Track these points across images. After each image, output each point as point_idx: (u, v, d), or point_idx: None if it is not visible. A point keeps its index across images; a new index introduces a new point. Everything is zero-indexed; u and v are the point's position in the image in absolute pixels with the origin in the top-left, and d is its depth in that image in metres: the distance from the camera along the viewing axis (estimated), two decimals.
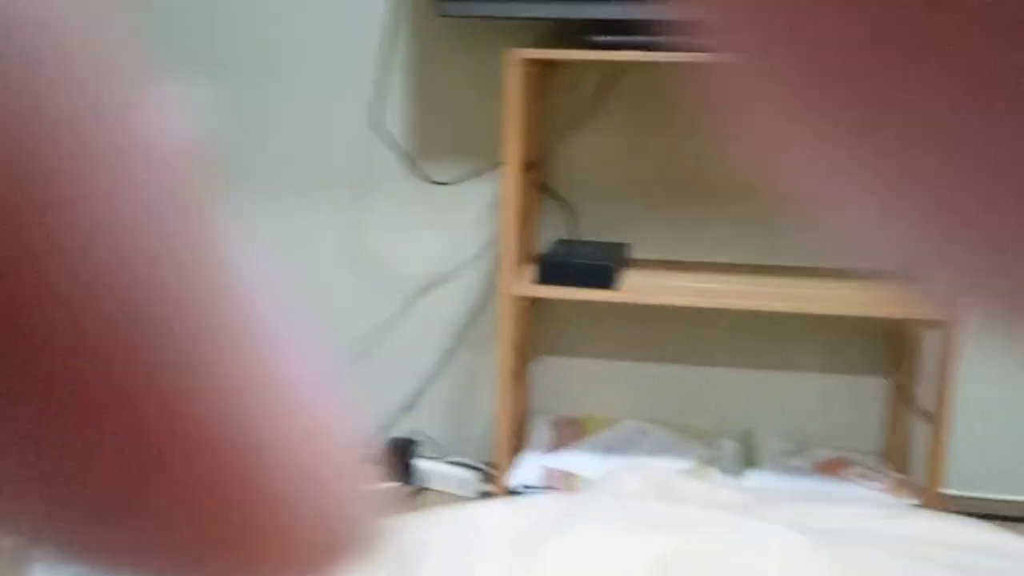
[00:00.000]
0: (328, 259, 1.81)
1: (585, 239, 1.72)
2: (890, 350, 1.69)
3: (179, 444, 0.17)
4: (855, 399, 1.72)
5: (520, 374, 1.70)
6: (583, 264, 1.47)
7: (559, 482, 1.57)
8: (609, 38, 1.43)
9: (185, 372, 0.16)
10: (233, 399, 0.18)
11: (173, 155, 0.16)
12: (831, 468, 1.63)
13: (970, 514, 1.61)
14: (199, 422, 0.17)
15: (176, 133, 0.17)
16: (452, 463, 1.76)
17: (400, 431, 1.85)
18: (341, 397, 0.22)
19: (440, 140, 1.74)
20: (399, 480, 1.75)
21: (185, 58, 1.78)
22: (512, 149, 1.44)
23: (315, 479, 0.20)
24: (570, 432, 1.73)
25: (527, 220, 1.68)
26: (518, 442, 1.71)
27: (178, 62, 1.76)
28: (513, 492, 1.55)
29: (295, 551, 0.20)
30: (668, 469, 1.56)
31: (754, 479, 1.58)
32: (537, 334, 1.78)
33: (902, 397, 1.66)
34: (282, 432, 0.19)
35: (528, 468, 1.60)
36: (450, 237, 1.77)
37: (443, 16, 1.52)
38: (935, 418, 1.42)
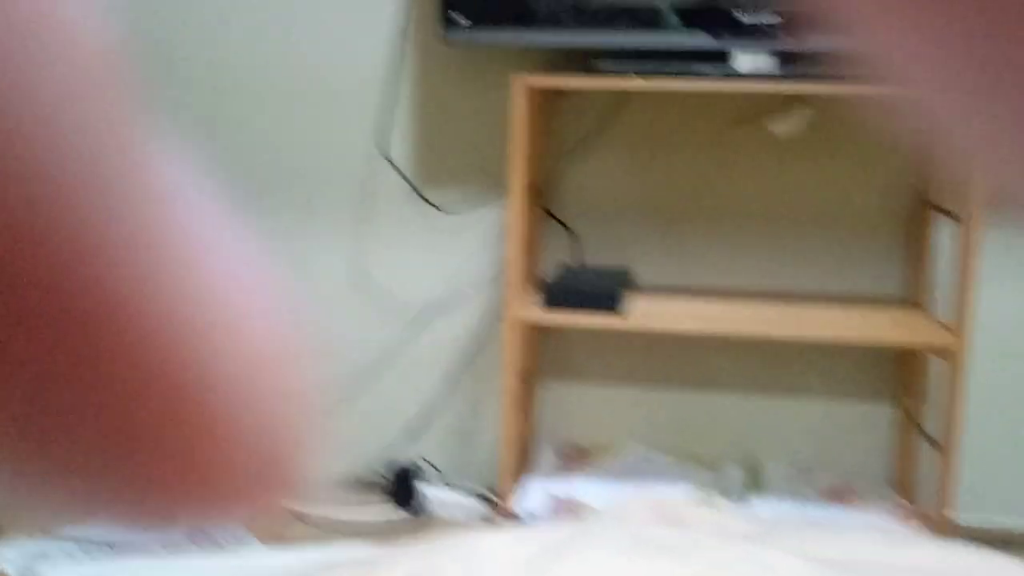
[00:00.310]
0: (332, 284, 1.82)
1: (589, 264, 1.72)
2: (897, 376, 1.69)
3: (121, 366, 0.16)
4: (862, 426, 1.71)
5: (525, 400, 1.69)
6: (588, 290, 1.47)
7: (564, 509, 1.56)
8: (614, 65, 1.43)
9: (125, 288, 0.16)
10: (171, 311, 0.17)
11: (93, 54, 0.16)
12: (837, 495, 1.62)
13: (978, 541, 1.59)
14: (140, 335, 0.16)
15: (95, 33, 0.16)
16: (456, 489, 1.76)
17: (404, 457, 1.84)
18: (271, 300, 0.21)
19: (444, 166, 1.74)
20: (403, 506, 1.74)
21: (194, 83, 1.79)
22: (517, 175, 1.44)
23: (260, 408, 0.19)
24: (575, 459, 1.73)
25: (531, 245, 1.68)
26: (522, 469, 1.70)
27: (186, 87, 1.78)
28: (517, 519, 1.55)
29: (240, 483, 0.19)
30: (673, 496, 1.56)
31: (759, 506, 1.57)
32: (542, 360, 1.78)
33: (909, 423, 1.65)
34: (227, 356, 0.18)
35: (533, 495, 1.60)
36: (454, 262, 1.77)
37: (449, 43, 1.53)
38: (943, 445, 1.42)
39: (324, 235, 1.80)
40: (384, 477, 1.84)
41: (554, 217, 1.72)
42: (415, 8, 1.70)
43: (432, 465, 1.84)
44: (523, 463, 1.71)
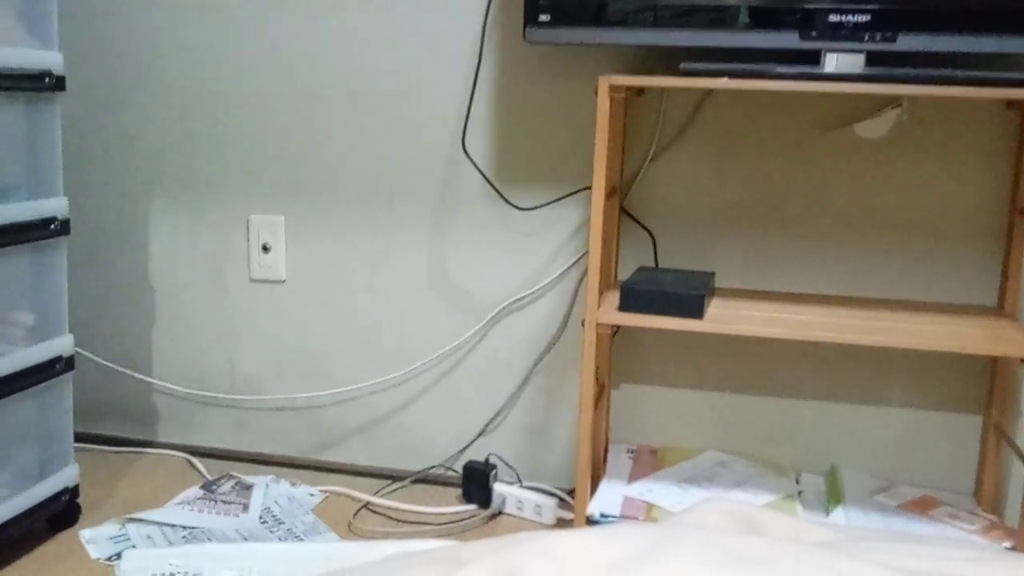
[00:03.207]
0: (411, 281, 1.83)
1: (668, 267, 1.70)
2: (985, 386, 1.64)
3: None
4: (946, 436, 1.66)
5: (599, 401, 1.69)
6: (670, 293, 1.45)
7: (638, 512, 1.55)
8: (698, 65, 1.42)
9: None
10: None
11: None
12: (919, 507, 1.58)
13: None
14: None
15: None
16: (530, 488, 1.76)
17: (478, 455, 1.85)
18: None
19: (524, 165, 1.74)
20: (476, 504, 1.75)
21: (281, 84, 1.82)
22: (599, 175, 1.44)
23: None
24: (649, 461, 1.71)
25: (608, 245, 1.67)
26: (596, 470, 1.70)
27: (282, 86, 1.81)
28: (592, 521, 1.54)
29: None
30: (751, 502, 1.53)
31: (838, 516, 1.54)
32: (617, 361, 1.77)
33: (997, 435, 1.60)
34: None
35: (607, 497, 1.59)
36: (531, 261, 1.77)
37: (530, 41, 1.53)
38: None
39: (404, 233, 1.82)
40: (458, 474, 1.85)
41: (634, 218, 1.71)
42: (497, 6, 1.70)
43: (506, 463, 1.84)
44: (597, 464, 1.71)
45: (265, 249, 1.89)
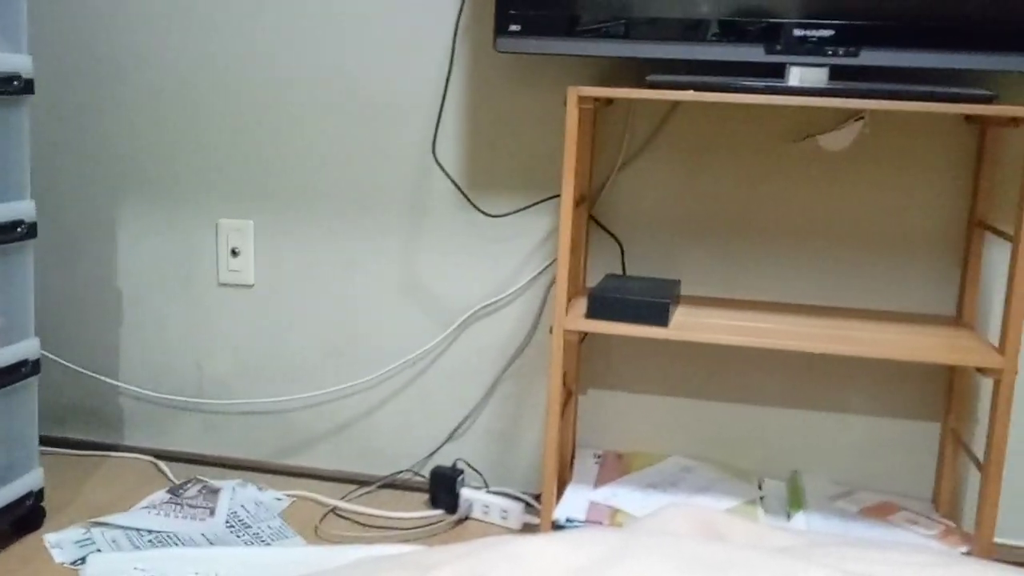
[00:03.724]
0: (380, 286, 1.84)
1: (635, 275, 1.72)
2: (943, 394, 1.67)
3: None
4: (906, 443, 1.70)
5: (566, 406, 1.70)
6: (636, 301, 1.47)
7: (603, 517, 1.56)
8: (665, 77, 1.44)
9: None
10: None
11: None
12: (879, 512, 1.61)
13: (1021, 564, 1.58)
14: None
15: None
16: (496, 493, 1.77)
17: (445, 460, 1.86)
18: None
19: (494, 172, 1.76)
20: (443, 508, 1.76)
21: (247, 90, 1.83)
22: (568, 184, 1.45)
23: None
24: (615, 466, 1.73)
25: (577, 253, 1.69)
26: (563, 475, 1.71)
27: (241, 95, 1.81)
28: (558, 526, 1.56)
29: None
30: (713, 508, 1.56)
31: (799, 521, 1.56)
32: (585, 367, 1.79)
33: (954, 442, 1.64)
34: None
35: (573, 502, 1.61)
36: (501, 268, 1.78)
37: (501, 52, 1.55)
38: (987, 465, 1.41)
39: (374, 238, 1.82)
40: (426, 479, 1.86)
41: (602, 226, 1.73)
42: (467, 15, 1.71)
43: (473, 468, 1.85)
44: (564, 469, 1.72)
45: (234, 253, 1.89)
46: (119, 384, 1.98)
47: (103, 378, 1.98)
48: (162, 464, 1.92)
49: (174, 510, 1.70)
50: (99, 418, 2.00)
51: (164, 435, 1.98)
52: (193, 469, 1.92)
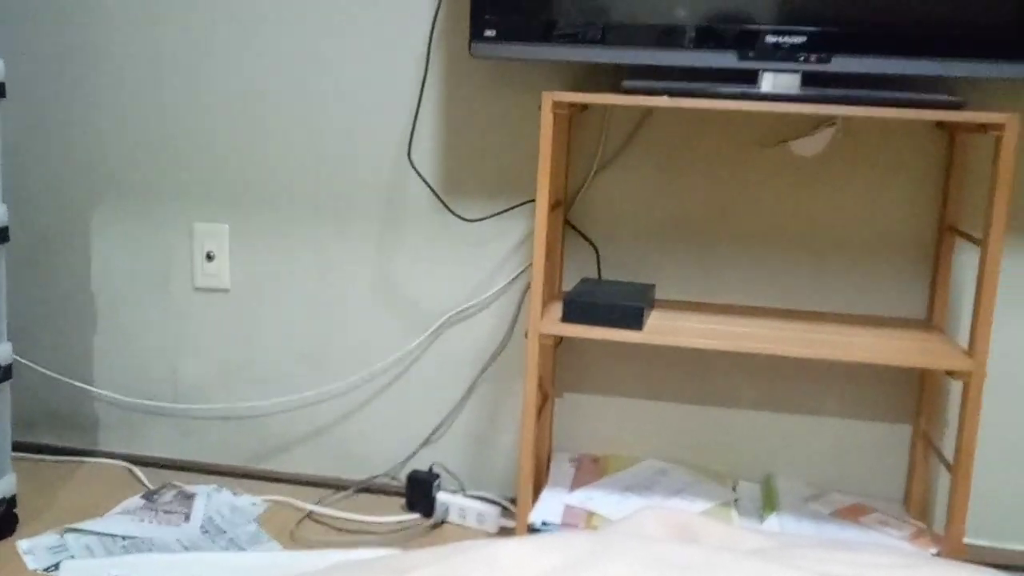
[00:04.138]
0: (356, 290, 1.84)
1: (611, 279, 1.73)
2: (914, 397, 1.70)
3: None
4: (877, 445, 1.72)
5: (542, 410, 1.71)
6: (611, 305, 1.48)
7: (578, 520, 1.57)
8: (640, 82, 1.45)
9: None
10: None
11: None
12: (851, 514, 1.63)
13: (991, 564, 1.60)
14: None
15: None
16: (473, 497, 1.77)
17: (421, 464, 1.86)
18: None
19: (470, 177, 1.76)
20: (419, 512, 1.76)
21: (222, 93, 1.82)
22: (543, 188, 1.46)
23: None
24: (591, 470, 1.74)
25: (552, 258, 1.70)
26: (539, 478, 1.72)
27: (215, 98, 1.81)
28: (534, 529, 1.56)
29: None
30: (688, 510, 1.57)
31: (773, 523, 1.58)
32: (560, 370, 1.80)
33: (925, 444, 1.66)
34: None
35: (549, 505, 1.61)
36: (476, 272, 1.79)
37: (476, 57, 1.55)
38: (956, 467, 1.42)
39: (350, 242, 1.82)
40: (402, 483, 1.87)
41: (577, 231, 1.74)
42: (443, 20, 1.72)
43: (450, 472, 1.86)
44: (540, 473, 1.73)
45: (209, 258, 1.88)
46: (93, 389, 1.97)
47: (77, 383, 1.97)
48: (137, 469, 1.91)
49: (149, 516, 1.69)
50: (73, 423, 1.99)
51: (139, 440, 1.97)
52: (168, 474, 1.91)
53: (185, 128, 1.85)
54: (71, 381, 1.97)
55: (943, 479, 1.69)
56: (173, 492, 1.79)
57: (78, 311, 1.95)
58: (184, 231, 1.89)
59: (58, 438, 2.00)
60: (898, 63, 1.43)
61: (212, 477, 1.91)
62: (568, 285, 1.76)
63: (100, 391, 1.97)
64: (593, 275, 1.75)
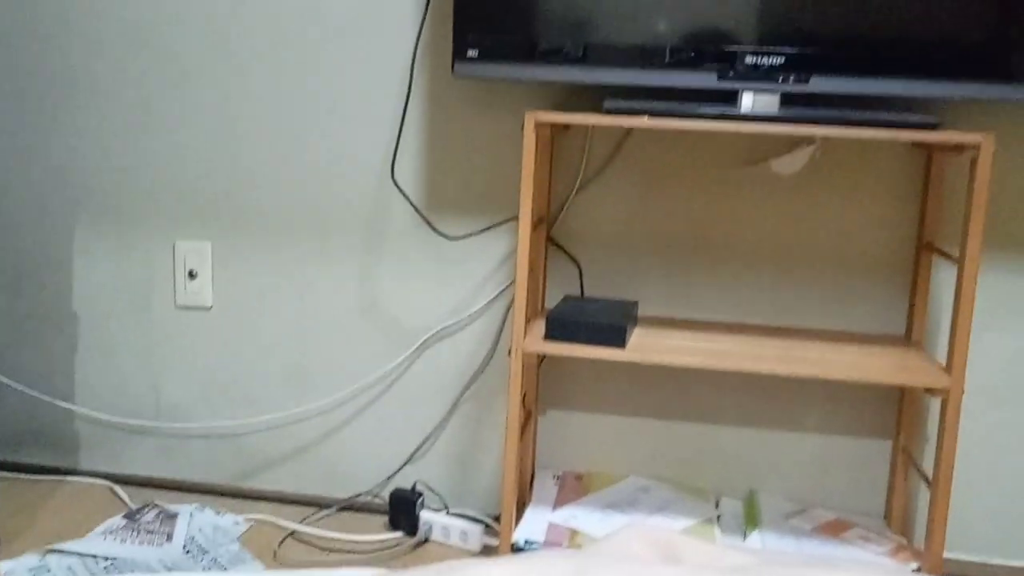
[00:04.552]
0: (338, 308, 1.84)
1: (594, 296, 1.74)
2: (894, 413, 1.71)
3: None
4: (858, 461, 1.73)
5: (526, 428, 1.72)
6: (594, 323, 1.49)
7: (562, 538, 1.58)
8: (621, 103, 1.46)
9: None
10: None
11: None
12: (832, 530, 1.64)
13: None
14: None
15: None
16: (456, 515, 1.77)
17: (405, 482, 1.86)
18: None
19: (452, 195, 1.77)
20: (403, 531, 1.76)
21: (205, 108, 1.83)
22: (526, 207, 1.47)
23: None
24: (574, 487, 1.75)
25: (535, 275, 1.71)
26: (522, 496, 1.72)
27: (197, 112, 1.81)
28: (517, 547, 1.56)
29: None
30: (670, 528, 1.58)
31: (755, 539, 1.59)
32: (544, 387, 1.80)
33: (905, 460, 1.67)
34: None
35: (532, 523, 1.61)
36: (459, 290, 1.79)
37: (458, 76, 1.56)
38: (935, 482, 1.44)
39: (333, 260, 1.83)
40: (385, 501, 1.86)
41: (560, 247, 1.75)
42: (426, 40, 1.73)
43: (433, 490, 1.86)
44: (523, 490, 1.73)
45: (192, 275, 1.88)
46: (75, 408, 1.96)
47: (58, 402, 1.96)
48: (119, 489, 1.90)
49: (131, 535, 1.68)
50: (54, 442, 1.98)
51: (120, 459, 1.96)
52: (150, 493, 1.90)
53: (167, 146, 1.85)
54: (52, 400, 1.96)
55: (923, 494, 1.71)
56: (155, 511, 1.79)
57: (60, 330, 1.95)
58: (166, 249, 1.89)
59: (39, 457, 1.99)
60: (875, 83, 1.45)
61: (194, 496, 1.90)
62: (551, 302, 1.77)
63: (82, 409, 1.96)
64: (576, 292, 1.76)
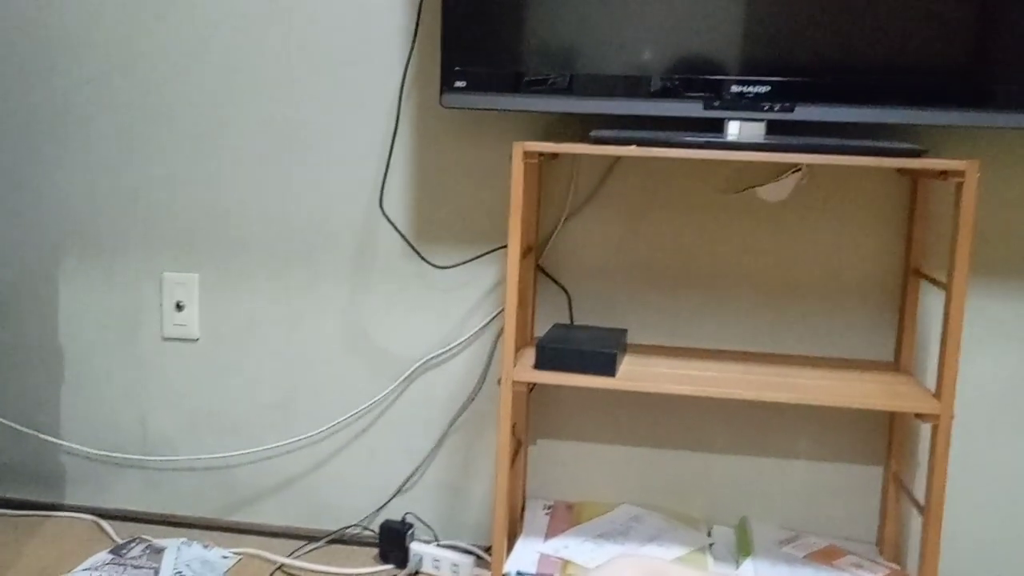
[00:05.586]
0: (327, 338, 1.83)
1: (583, 324, 1.74)
2: (884, 439, 1.71)
3: None
4: (850, 487, 1.72)
5: (516, 457, 1.71)
6: (584, 351, 1.49)
7: (554, 569, 1.56)
8: (608, 132, 1.47)
9: None
10: None
11: None
12: (825, 557, 1.63)
13: None
14: None
15: None
16: (447, 547, 1.76)
17: (394, 513, 1.85)
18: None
19: (440, 224, 1.77)
20: (393, 563, 1.74)
21: (195, 139, 1.82)
22: (514, 237, 1.47)
23: None
24: (565, 517, 1.73)
25: (524, 303, 1.71)
26: (513, 526, 1.71)
27: (199, 143, 1.81)
28: None
29: None
30: (663, 556, 1.57)
31: (747, 568, 1.58)
32: (534, 416, 1.79)
33: (896, 486, 1.67)
34: None
35: (524, 554, 1.60)
36: (448, 319, 1.79)
37: (446, 106, 1.57)
38: (927, 508, 1.43)
39: (322, 290, 1.82)
40: (375, 533, 1.85)
41: (549, 276, 1.75)
42: (414, 69, 1.74)
43: (423, 522, 1.84)
44: (514, 520, 1.72)
45: (179, 307, 1.87)
46: (60, 442, 1.94)
47: (43, 436, 1.94)
48: (104, 523, 1.88)
49: (117, 571, 1.66)
50: (39, 477, 1.96)
51: (106, 493, 1.94)
52: (137, 528, 1.88)
53: (154, 177, 1.85)
54: (37, 433, 1.94)
55: (915, 520, 1.70)
56: (142, 546, 1.77)
57: (45, 363, 1.93)
58: (153, 281, 1.88)
59: (24, 492, 1.97)
60: (859, 111, 1.46)
61: (181, 530, 1.88)
62: (540, 329, 1.76)
63: (67, 443, 1.94)
64: (565, 319, 1.76)
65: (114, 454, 1.93)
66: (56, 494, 1.96)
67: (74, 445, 1.94)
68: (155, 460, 1.92)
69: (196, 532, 1.87)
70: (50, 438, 1.94)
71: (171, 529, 1.89)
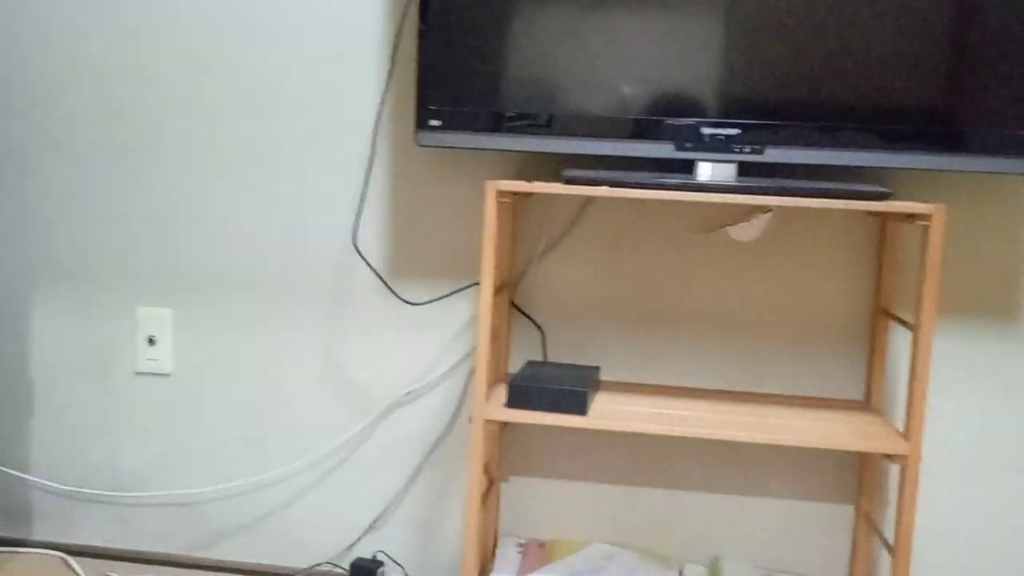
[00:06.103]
0: (300, 374, 1.83)
1: (555, 362, 1.74)
2: (856, 477, 1.72)
3: None
4: (821, 526, 1.73)
5: (488, 495, 1.70)
6: (555, 390, 1.49)
7: None
8: (580, 172, 1.48)
9: None
10: None
11: None
12: None
13: None
14: None
15: None
16: None
17: (365, 551, 1.84)
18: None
19: (415, 261, 1.78)
20: None
21: (181, 174, 1.82)
22: (488, 275, 1.48)
23: None
24: (537, 555, 1.73)
25: (498, 340, 1.71)
26: (485, 565, 1.70)
27: (174, 178, 1.81)
28: None
29: None
30: None
31: None
32: (507, 454, 1.79)
33: (867, 525, 1.68)
34: None
35: None
36: (422, 356, 1.79)
37: (421, 145, 1.58)
38: (896, 548, 1.44)
39: (295, 327, 1.82)
40: (346, 571, 1.83)
41: (523, 312, 1.76)
42: (389, 108, 1.75)
43: (394, 560, 1.83)
44: (486, 559, 1.71)
45: (151, 342, 1.86)
46: (28, 477, 1.92)
47: (11, 471, 1.92)
48: (72, 560, 1.86)
49: None
50: (6, 512, 1.94)
51: (74, 529, 1.92)
52: (105, 564, 1.86)
53: (128, 211, 1.85)
54: (4, 468, 1.92)
55: (885, 559, 1.71)
56: None
57: (14, 397, 1.91)
58: (127, 315, 1.87)
59: None
60: (828, 154, 1.48)
61: (151, 567, 1.86)
62: (515, 364, 1.77)
63: (35, 479, 1.92)
64: (539, 355, 1.76)
65: (83, 489, 1.91)
66: (23, 530, 1.94)
67: (42, 480, 1.92)
68: (125, 496, 1.90)
69: (166, 569, 1.85)
70: (18, 473, 1.92)
71: (140, 566, 1.87)
